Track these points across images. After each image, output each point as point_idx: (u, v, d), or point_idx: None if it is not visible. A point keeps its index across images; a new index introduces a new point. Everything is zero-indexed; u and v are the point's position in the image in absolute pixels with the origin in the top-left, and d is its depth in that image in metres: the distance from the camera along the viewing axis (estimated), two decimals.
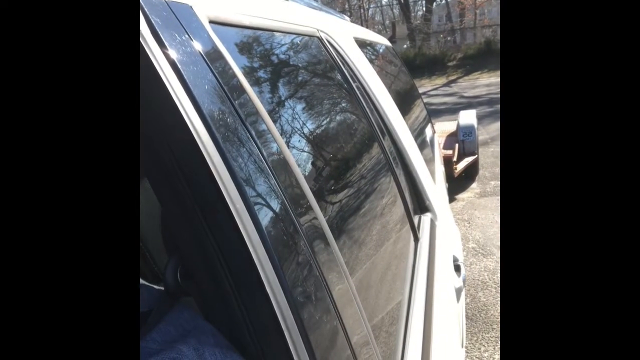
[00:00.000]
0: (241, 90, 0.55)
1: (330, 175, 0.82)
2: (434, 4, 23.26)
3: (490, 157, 5.66)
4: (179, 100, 0.45)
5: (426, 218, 1.41)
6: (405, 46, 21.07)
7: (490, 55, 16.09)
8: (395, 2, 27.02)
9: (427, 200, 1.47)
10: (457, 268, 1.42)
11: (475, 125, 4.97)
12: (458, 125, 5.02)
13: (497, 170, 4.93)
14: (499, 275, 2.85)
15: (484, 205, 4.28)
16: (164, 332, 0.48)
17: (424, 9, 23.29)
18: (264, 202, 0.49)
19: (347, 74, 1.24)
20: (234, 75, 0.56)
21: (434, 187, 1.69)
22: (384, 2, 30.17)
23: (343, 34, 1.48)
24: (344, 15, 2.29)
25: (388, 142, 1.33)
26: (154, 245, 0.64)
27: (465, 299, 2.76)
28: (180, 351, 0.45)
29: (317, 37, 1.16)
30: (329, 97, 1.07)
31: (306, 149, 0.76)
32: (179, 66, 0.46)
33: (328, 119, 0.98)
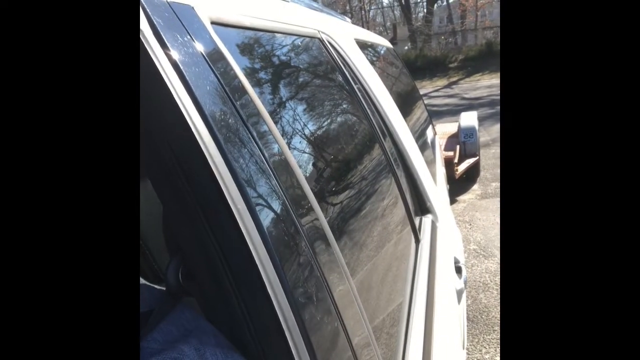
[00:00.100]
0: (243, 91, 0.55)
1: (331, 176, 0.82)
2: (435, 5, 23.28)
3: (491, 159, 5.65)
4: (181, 101, 0.45)
5: (427, 219, 1.41)
6: (406, 48, 21.09)
7: (491, 57, 16.09)
8: (396, 4, 27.06)
9: (428, 201, 1.47)
10: (458, 270, 1.42)
11: (477, 127, 4.97)
12: (459, 126, 5.02)
13: (498, 171, 4.92)
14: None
15: (485, 206, 4.28)
16: (165, 332, 0.48)
17: (425, 10, 23.30)
18: (265, 203, 0.49)
19: (348, 75, 1.24)
20: (236, 76, 0.56)
21: (435, 188, 1.69)
22: (385, 4, 30.21)
23: (344, 36, 1.48)
24: (345, 17, 2.30)
25: (389, 144, 1.33)
26: (156, 245, 0.64)
27: (466, 300, 2.76)
28: (182, 351, 0.45)
29: (318, 39, 1.16)
30: (330, 99, 1.07)
31: (307, 150, 0.76)
32: (181, 67, 0.46)
33: (329, 120, 0.98)
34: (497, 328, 2.53)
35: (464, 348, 1.46)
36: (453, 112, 8.86)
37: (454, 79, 15.78)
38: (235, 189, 0.46)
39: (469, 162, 4.74)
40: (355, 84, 1.28)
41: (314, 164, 0.76)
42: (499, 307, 2.68)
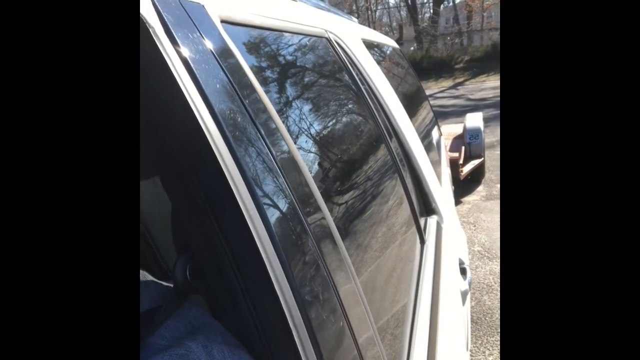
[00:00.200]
0: (251, 89, 0.56)
1: (338, 175, 0.83)
2: (442, 6, 23.21)
3: (496, 160, 5.63)
4: (191, 98, 0.45)
5: (432, 220, 1.41)
6: (412, 48, 21.05)
7: (497, 58, 15.99)
8: (402, 4, 27.01)
9: (433, 202, 1.47)
10: (463, 271, 1.42)
11: (482, 128, 4.95)
12: (464, 127, 5.01)
13: None
14: None
15: (490, 208, 4.27)
16: (172, 329, 0.48)
17: (432, 11, 23.26)
18: (273, 201, 0.49)
19: (355, 75, 1.24)
20: (245, 74, 0.56)
21: (441, 189, 1.69)
22: (391, 4, 30.17)
23: (351, 35, 1.48)
24: (352, 17, 2.30)
25: (395, 144, 1.33)
26: (164, 243, 0.64)
27: (471, 302, 2.75)
28: (189, 348, 0.45)
29: (326, 38, 1.16)
30: (337, 98, 1.07)
31: (315, 148, 0.76)
32: (191, 64, 0.47)
33: (336, 120, 0.98)
34: None
35: (467, 350, 1.45)
36: (458, 113, 8.84)
37: (460, 80, 15.74)
38: (244, 187, 0.46)
39: (474, 163, 4.73)
40: (362, 84, 1.28)
41: (321, 163, 0.76)
42: None
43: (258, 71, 0.66)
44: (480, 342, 2.47)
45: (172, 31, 0.47)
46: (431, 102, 3.46)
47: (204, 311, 0.52)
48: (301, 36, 0.96)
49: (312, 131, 0.78)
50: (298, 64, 0.90)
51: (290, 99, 0.75)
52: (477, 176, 4.95)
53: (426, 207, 1.46)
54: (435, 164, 1.92)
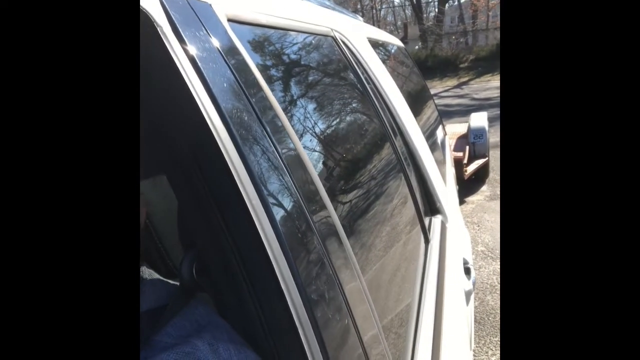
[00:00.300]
0: (258, 87, 0.56)
1: (343, 174, 0.83)
2: (447, 5, 23.14)
3: None
4: (198, 96, 0.45)
5: (437, 220, 1.41)
6: (416, 47, 21.00)
7: None
8: (407, 3, 26.94)
9: (438, 202, 1.47)
10: (467, 271, 1.41)
11: (486, 128, 4.93)
12: (469, 127, 4.99)
13: None
14: None
15: (494, 208, 4.26)
16: (178, 327, 0.48)
17: (436, 10, 23.18)
18: (279, 199, 0.49)
19: (360, 73, 1.24)
20: (251, 73, 0.56)
21: (445, 189, 1.69)
22: (396, 3, 30.10)
23: (357, 34, 1.48)
24: (357, 16, 2.29)
25: (400, 143, 1.33)
26: (170, 241, 0.64)
27: (474, 302, 2.75)
28: (195, 346, 0.45)
29: (332, 37, 1.16)
30: (342, 97, 1.07)
31: (320, 147, 0.76)
32: (199, 63, 0.47)
33: (341, 118, 0.98)
34: None
35: (471, 349, 1.45)
36: (463, 112, 8.82)
37: (465, 79, 15.69)
38: (250, 185, 0.46)
39: (478, 163, 4.71)
40: (368, 82, 1.28)
41: (326, 162, 0.76)
42: None
43: (264, 70, 0.66)
44: (483, 342, 2.47)
45: (180, 30, 0.47)
46: (436, 101, 3.45)
47: (210, 309, 0.52)
48: (307, 35, 0.96)
49: (318, 130, 0.78)
50: (304, 62, 0.90)
51: (296, 97, 0.75)
52: (481, 176, 4.94)
53: (431, 206, 1.46)
54: (440, 163, 1.92)
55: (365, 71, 1.32)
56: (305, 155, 0.60)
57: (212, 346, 0.45)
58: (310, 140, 0.72)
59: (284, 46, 0.82)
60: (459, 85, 14.73)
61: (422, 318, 0.90)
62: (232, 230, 0.47)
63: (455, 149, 4.69)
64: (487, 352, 2.39)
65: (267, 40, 0.74)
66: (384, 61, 1.75)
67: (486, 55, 17.21)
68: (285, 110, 0.63)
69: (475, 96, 11.87)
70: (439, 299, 1.01)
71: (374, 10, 26.85)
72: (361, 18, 2.36)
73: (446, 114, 8.59)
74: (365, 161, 1.00)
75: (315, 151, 0.73)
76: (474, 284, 1.41)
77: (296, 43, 0.88)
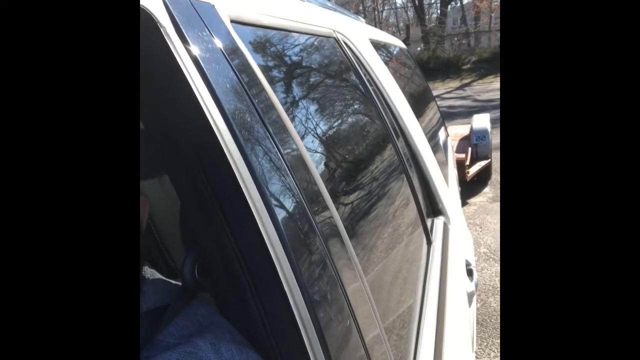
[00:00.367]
0: (260, 88, 0.56)
1: (346, 175, 0.83)
2: (449, 6, 23.13)
3: None
4: (201, 97, 0.45)
5: (439, 221, 1.40)
6: (419, 49, 21.00)
7: None
8: (409, 5, 26.95)
9: (440, 203, 1.46)
10: (470, 272, 1.41)
11: (489, 129, 4.93)
12: (471, 128, 4.99)
13: None
14: None
15: (496, 210, 4.25)
16: (180, 327, 0.48)
17: (439, 11, 23.18)
18: (281, 200, 0.49)
19: (362, 75, 1.24)
20: (254, 74, 0.56)
21: (447, 190, 1.69)
22: (398, 5, 30.12)
23: (359, 35, 1.48)
24: (359, 17, 2.29)
25: (402, 144, 1.33)
26: (172, 241, 0.64)
27: (476, 303, 2.74)
28: (197, 345, 0.45)
29: (334, 38, 1.16)
30: (345, 98, 1.07)
31: (323, 148, 0.76)
32: (202, 63, 0.47)
33: (344, 120, 0.98)
34: None
35: (473, 351, 1.45)
36: (465, 114, 8.81)
37: (467, 81, 15.68)
38: (252, 186, 0.46)
39: (480, 164, 4.71)
40: (370, 84, 1.28)
41: (329, 163, 0.76)
42: None
43: (267, 70, 0.66)
44: (485, 343, 2.46)
45: (183, 31, 0.47)
46: (438, 103, 3.45)
47: (212, 309, 0.52)
48: (309, 36, 0.97)
49: (320, 131, 0.79)
50: (306, 64, 0.90)
51: (299, 98, 0.76)
52: (483, 177, 4.93)
53: (433, 207, 1.46)
54: (442, 164, 1.92)
55: (367, 72, 1.32)
56: (307, 156, 0.60)
57: (214, 346, 0.45)
58: (313, 141, 0.72)
59: (287, 47, 0.82)
60: (461, 87, 14.72)
61: (424, 319, 0.90)
62: (235, 231, 0.47)
63: (458, 151, 4.69)
64: (489, 354, 2.38)
65: (269, 41, 0.74)
66: (386, 62, 1.75)
67: (489, 57, 17.20)
68: (287, 111, 0.63)
69: (478, 98, 11.85)
70: (441, 300, 1.00)
71: (376, 12, 26.88)
72: (363, 20, 2.36)
73: (448, 116, 8.59)
74: (367, 162, 1.00)
75: (318, 152, 0.73)
76: (476, 285, 1.41)
77: (299, 44, 0.88)
